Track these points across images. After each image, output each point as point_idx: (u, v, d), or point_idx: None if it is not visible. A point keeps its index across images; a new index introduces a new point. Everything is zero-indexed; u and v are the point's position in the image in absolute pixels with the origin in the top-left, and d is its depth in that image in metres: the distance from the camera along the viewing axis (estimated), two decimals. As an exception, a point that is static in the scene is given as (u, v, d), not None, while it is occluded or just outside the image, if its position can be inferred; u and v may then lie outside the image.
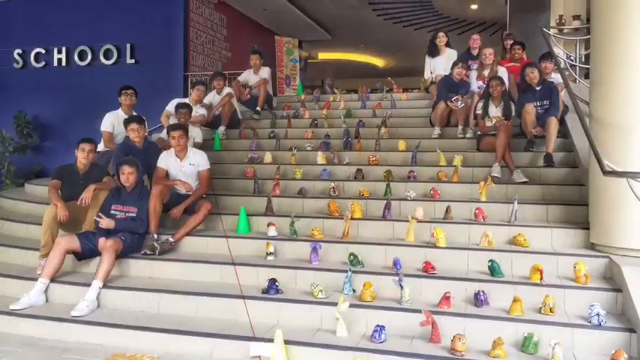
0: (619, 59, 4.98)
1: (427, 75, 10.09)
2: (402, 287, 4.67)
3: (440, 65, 9.77)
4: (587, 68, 6.70)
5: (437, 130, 8.29)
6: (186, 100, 8.70)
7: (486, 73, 8.56)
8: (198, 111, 8.80)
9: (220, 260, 5.61)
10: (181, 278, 5.55)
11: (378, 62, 24.82)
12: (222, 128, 9.23)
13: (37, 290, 5.26)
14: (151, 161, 6.58)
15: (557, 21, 11.49)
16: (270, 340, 4.26)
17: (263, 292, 4.98)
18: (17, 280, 5.66)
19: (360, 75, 24.50)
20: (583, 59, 9.72)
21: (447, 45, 9.96)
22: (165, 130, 7.58)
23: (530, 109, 7.27)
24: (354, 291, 4.93)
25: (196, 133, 8.02)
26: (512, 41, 9.47)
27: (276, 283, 5.00)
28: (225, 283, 5.36)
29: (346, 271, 5.00)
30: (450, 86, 8.45)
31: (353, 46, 21.74)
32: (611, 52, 5.05)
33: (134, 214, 5.91)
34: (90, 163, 6.39)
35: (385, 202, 6.19)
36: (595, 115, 5.24)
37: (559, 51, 9.28)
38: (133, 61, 12.29)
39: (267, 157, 8.13)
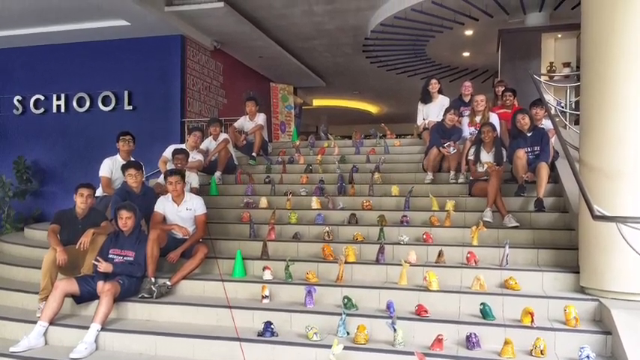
0: (608, 106, 5.05)
1: (420, 121, 10.19)
2: (395, 330, 4.72)
3: (432, 112, 9.91)
4: (577, 114, 6.77)
5: (429, 176, 8.40)
6: (183, 146, 8.79)
7: (478, 119, 8.69)
8: (195, 157, 8.94)
9: (217, 303, 5.66)
10: (178, 321, 5.59)
11: (372, 108, 25.03)
12: (218, 173, 9.34)
13: (36, 333, 5.29)
14: (149, 206, 6.68)
15: (548, 68, 11.76)
16: (266, 382, 4.29)
17: (259, 335, 5.03)
18: (17, 322, 5.70)
19: (354, 121, 24.77)
20: (573, 106, 9.88)
21: (440, 92, 10.09)
22: (162, 176, 7.68)
23: (522, 155, 7.37)
24: (348, 333, 4.97)
25: (193, 179, 8.09)
26: (503, 88, 9.66)
27: (272, 326, 5.06)
28: (222, 325, 5.41)
29: (340, 314, 5.05)
30: (442, 132, 8.59)
31: (347, 93, 21.99)
32: (600, 98, 5.13)
33: (132, 258, 5.98)
34: (88, 207, 6.49)
35: (379, 246, 6.27)
36: (585, 160, 5.31)
37: (549, 97, 9.44)
38: (130, 107, 12.45)
39: (263, 201, 8.21)
